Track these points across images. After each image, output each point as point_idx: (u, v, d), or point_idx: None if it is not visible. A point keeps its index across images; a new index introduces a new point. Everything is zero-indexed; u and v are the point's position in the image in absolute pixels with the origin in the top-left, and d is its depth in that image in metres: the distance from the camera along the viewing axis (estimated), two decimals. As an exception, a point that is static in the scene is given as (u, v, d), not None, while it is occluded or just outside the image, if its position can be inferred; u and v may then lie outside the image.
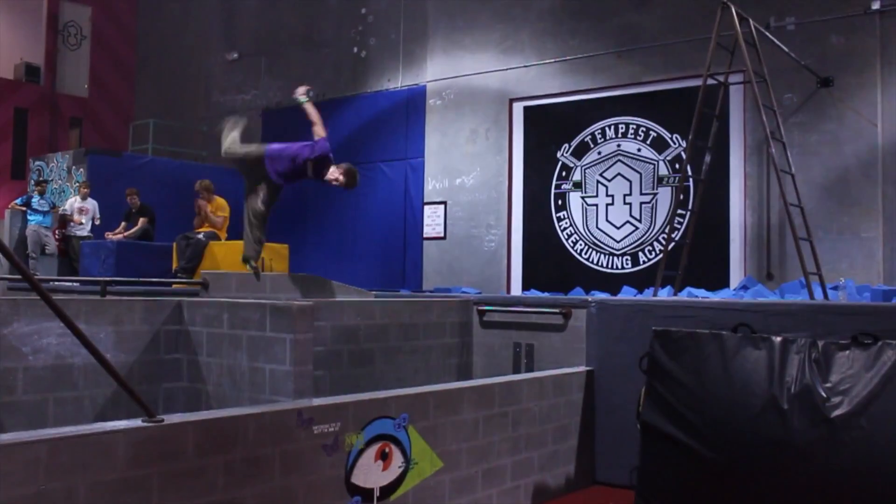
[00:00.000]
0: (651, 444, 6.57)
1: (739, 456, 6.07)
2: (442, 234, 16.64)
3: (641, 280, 13.10)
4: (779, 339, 6.29)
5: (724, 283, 12.47)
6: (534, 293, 13.11)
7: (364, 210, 17.93)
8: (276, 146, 8.58)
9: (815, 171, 12.50)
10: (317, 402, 5.32)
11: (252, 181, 8.42)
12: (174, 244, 13.67)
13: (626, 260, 13.98)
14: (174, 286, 10.96)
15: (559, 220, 14.85)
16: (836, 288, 10.19)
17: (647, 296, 10.60)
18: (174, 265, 13.52)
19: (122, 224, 15.49)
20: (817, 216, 11.97)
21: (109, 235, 14.89)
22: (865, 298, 10.00)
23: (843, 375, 5.95)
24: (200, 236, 13.36)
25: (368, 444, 5.37)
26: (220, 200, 14.03)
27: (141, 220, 15.26)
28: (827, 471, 5.76)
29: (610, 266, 14.13)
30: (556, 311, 8.13)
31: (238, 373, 6.08)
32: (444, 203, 16.69)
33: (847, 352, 6.04)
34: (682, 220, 12.81)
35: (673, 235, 12.25)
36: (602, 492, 7.30)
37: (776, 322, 6.68)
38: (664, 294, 10.65)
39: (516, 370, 8.25)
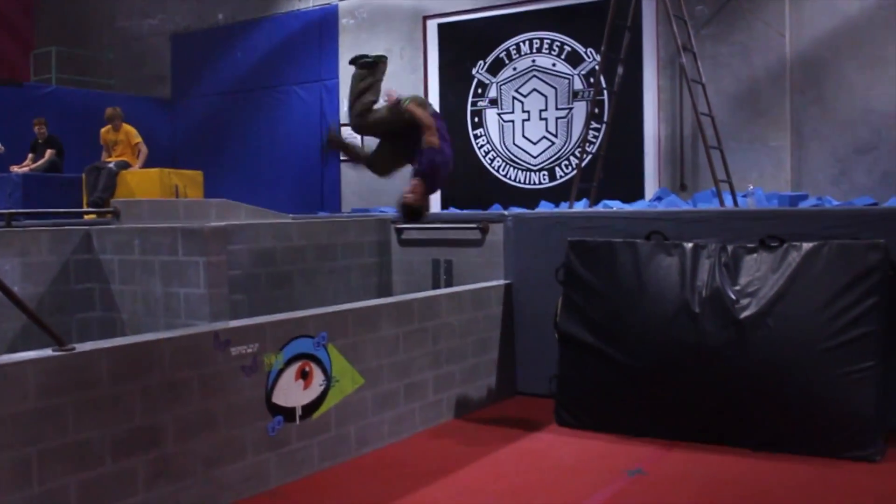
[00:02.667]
0: (568, 353, 6.70)
1: (653, 360, 6.24)
2: (359, 156, 16.50)
3: (559, 195, 13.20)
4: (690, 244, 6.43)
5: (639, 195, 12.66)
6: (453, 211, 13.12)
7: (280, 134, 17.64)
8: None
9: (725, 83, 12.66)
10: (233, 323, 5.28)
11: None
12: (83, 175, 13.30)
13: (544, 175, 14.06)
14: (86, 217, 10.69)
15: (476, 137, 14.82)
16: (745, 195, 10.43)
17: (564, 209, 10.70)
18: (84, 198, 13.17)
19: (29, 156, 14.96)
20: (728, 126, 12.16)
21: (15, 168, 14.37)
22: (773, 205, 10.26)
23: (752, 278, 6.13)
24: (111, 165, 13.02)
25: (288, 363, 5.37)
26: (131, 128, 13.65)
27: (48, 152, 14.74)
28: (737, 370, 5.95)
29: (527, 182, 14.20)
30: (474, 226, 8.16)
31: (152, 299, 5.99)
32: (361, 124, 16.52)
33: (755, 255, 6.21)
34: (597, 133, 12.90)
35: (588, 149, 12.33)
36: (523, 402, 7.44)
37: (688, 229, 6.82)
38: (580, 207, 10.75)
39: (436, 287, 8.28)
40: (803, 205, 9.45)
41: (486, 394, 7.34)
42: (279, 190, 16.84)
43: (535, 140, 14.17)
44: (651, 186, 12.86)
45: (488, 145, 14.64)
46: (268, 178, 17.39)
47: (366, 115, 6.62)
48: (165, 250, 5.89)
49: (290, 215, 9.98)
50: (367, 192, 16.26)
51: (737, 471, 5.40)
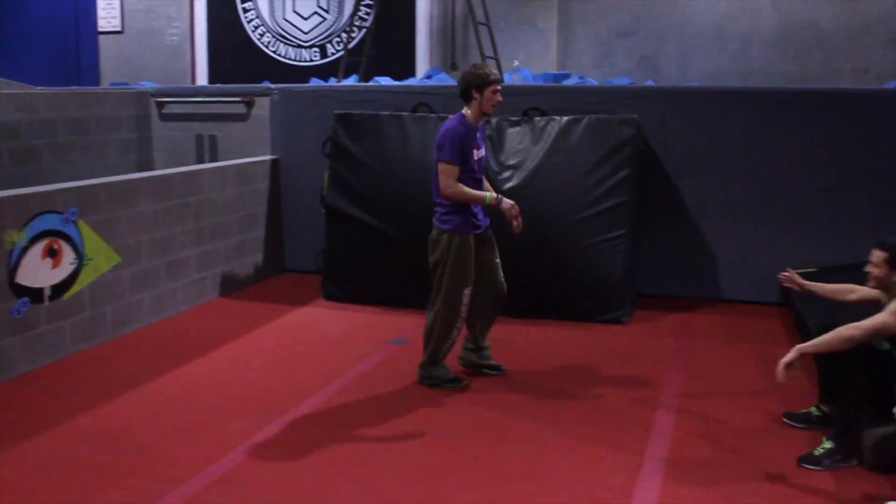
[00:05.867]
0: (335, 227, 6.65)
1: (419, 230, 6.23)
2: (119, 28, 15.41)
3: (330, 72, 12.86)
4: (455, 118, 6.45)
5: (410, 72, 12.57)
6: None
7: (27, 1, 16.15)
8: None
9: (497, -38, 12.67)
10: (-34, 198, 4.84)
11: None
12: None
13: (315, 52, 13.68)
14: None
15: (245, 10, 14.16)
16: (511, 73, 10.58)
17: (332, 83, 10.48)
18: None
19: None
20: (498, 7, 12.21)
21: None
22: (538, 82, 10.47)
23: (515, 150, 6.25)
24: None
25: (33, 241, 4.99)
26: None
27: None
28: (497, 239, 6.10)
29: (298, 58, 13.78)
30: (239, 99, 7.85)
31: None
32: (120, -7, 15.41)
33: (518, 128, 6.33)
34: (369, 10, 12.64)
35: (359, 24, 12.11)
36: (291, 278, 7.37)
37: (455, 104, 6.80)
38: (350, 83, 10.57)
39: (200, 163, 7.95)
40: (566, 83, 9.69)
41: (253, 271, 7.20)
42: (28, 63, 15.43)
43: (306, 15, 13.70)
44: (423, 65, 12.78)
45: (258, 19, 14.05)
46: (14, 50, 15.92)
47: None
48: None
49: (39, 87, 9.23)
50: (128, 67, 15.27)
51: (497, 335, 5.57)
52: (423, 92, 7.08)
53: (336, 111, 6.80)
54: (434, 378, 4.76)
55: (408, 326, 5.84)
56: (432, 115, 6.58)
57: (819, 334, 3.82)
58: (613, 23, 12.15)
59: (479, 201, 4.57)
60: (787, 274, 4.40)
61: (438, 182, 4.58)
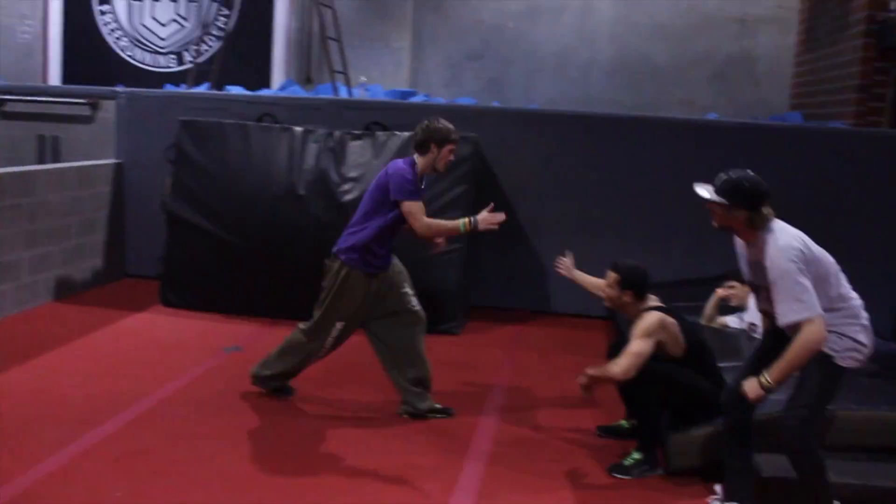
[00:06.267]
0: (177, 233, 6.65)
1: (259, 241, 6.37)
2: (-37, 23, 14.80)
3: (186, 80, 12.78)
4: (300, 129, 6.58)
5: (265, 84, 12.58)
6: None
7: None
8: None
9: (355, -20, 12.84)
10: None
11: None
12: None
13: (171, 59, 13.50)
14: None
15: (102, 13, 13.84)
16: (357, 87, 10.75)
17: (182, 89, 10.40)
18: None
19: None
20: (353, 24, 12.37)
21: None
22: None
23: (356, 163, 6.42)
24: None
25: None
26: None
27: None
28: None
29: (154, 65, 13.58)
30: (83, 101, 7.73)
31: None
32: (-34, -12, 14.79)
33: (360, 141, 6.50)
34: (227, 19, 12.59)
35: (215, 33, 12.06)
36: (131, 284, 7.29)
37: (301, 115, 6.97)
38: (201, 90, 10.52)
39: (41, 164, 7.76)
40: (411, 100, 9.92)
41: (91, 276, 7.09)
42: None
43: (164, 22, 13.52)
44: (278, 77, 12.80)
45: (115, 23, 13.75)
46: None
47: None
48: None
49: None
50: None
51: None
52: (273, 103, 7.18)
53: (181, 118, 6.80)
54: (268, 382, 4.74)
55: (244, 335, 5.89)
56: (277, 125, 6.68)
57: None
58: (464, 46, 12.56)
59: (455, 232, 4.55)
60: (564, 259, 4.68)
61: (368, 217, 4.47)
